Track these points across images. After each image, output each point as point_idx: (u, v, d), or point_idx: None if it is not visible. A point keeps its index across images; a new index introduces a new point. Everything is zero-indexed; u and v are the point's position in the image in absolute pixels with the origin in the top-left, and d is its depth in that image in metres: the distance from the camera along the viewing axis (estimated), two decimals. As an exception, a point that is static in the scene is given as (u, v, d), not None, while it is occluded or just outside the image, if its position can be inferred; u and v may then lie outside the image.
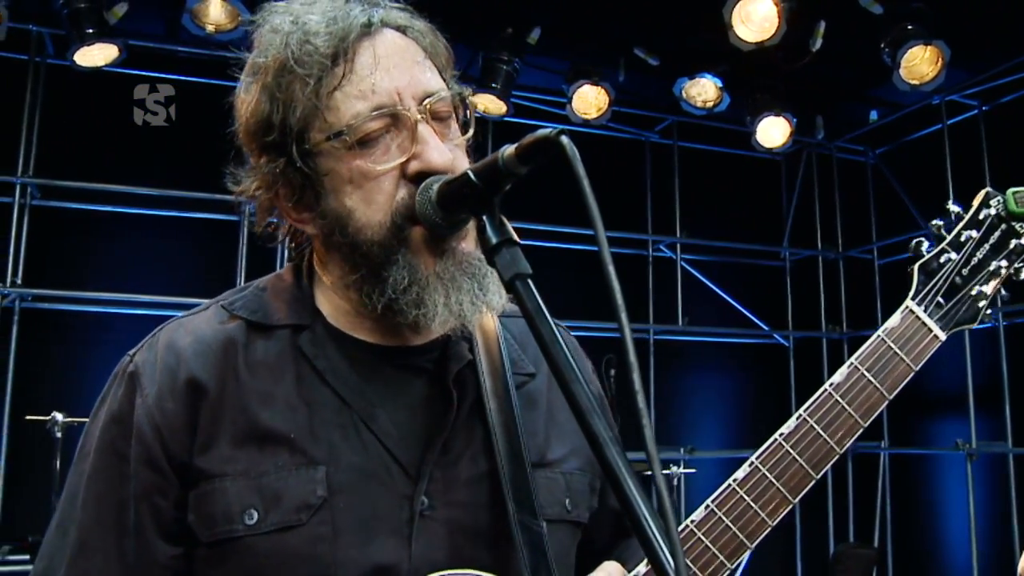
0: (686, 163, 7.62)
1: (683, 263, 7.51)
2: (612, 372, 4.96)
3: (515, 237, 1.14)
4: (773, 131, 6.63)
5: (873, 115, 7.47)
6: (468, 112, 1.37)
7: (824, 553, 7.42)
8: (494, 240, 1.14)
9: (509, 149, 1.12)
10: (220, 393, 1.28)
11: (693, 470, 5.90)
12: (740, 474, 1.40)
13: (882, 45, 5.58)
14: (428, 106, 1.27)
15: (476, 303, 1.28)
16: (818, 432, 1.42)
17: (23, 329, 5.68)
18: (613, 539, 1.56)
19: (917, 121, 7.23)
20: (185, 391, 1.27)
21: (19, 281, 5.66)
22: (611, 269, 0.96)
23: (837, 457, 1.43)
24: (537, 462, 1.37)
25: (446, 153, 1.27)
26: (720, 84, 6.32)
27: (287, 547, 1.21)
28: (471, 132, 1.37)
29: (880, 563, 7.13)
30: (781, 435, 1.42)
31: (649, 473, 0.88)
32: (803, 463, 1.40)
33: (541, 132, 1.08)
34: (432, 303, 1.26)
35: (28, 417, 4.70)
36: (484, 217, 1.16)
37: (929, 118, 7.05)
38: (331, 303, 1.37)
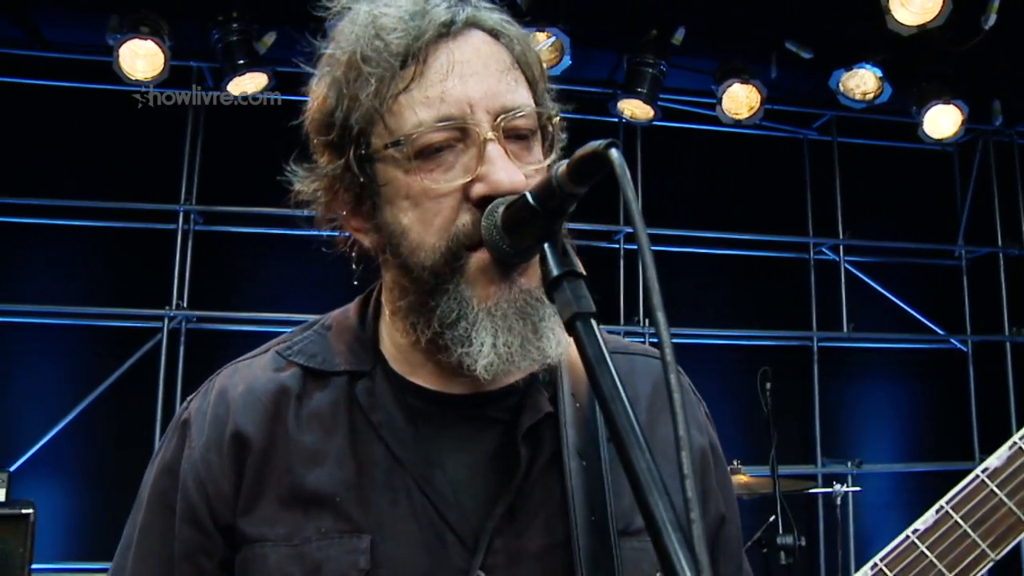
0: (847, 160, 7.21)
1: (847, 265, 7.09)
2: (768, 385, 4.68)
3: (580, 269, 1.00)
4: (942, 120, 6.16)
5: (1061, 94, 6.82)
6: (554, 132, 1.23)
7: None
8: (555, 272, 1.00)
9: (562, 167, 0.99)
10: (267, 450, 1.20)
11: (859, 488, 5.52)
12: None
13: (1070, 14, 5.08)
14: (502, 123, 1.13)
15: (527, 348, 1.13)
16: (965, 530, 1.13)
17: (189, 350, 5.97)
18: None
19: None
20: (231, 445, 1.20)
21: (184, 304, 5.94)
22: (657, 300, 0.83)
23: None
24: (623, 529, 1.18)
25: (516, 174, 1.12)
26: (880, 74, 5.92)
27: None
28: (554, 156, 1.23)
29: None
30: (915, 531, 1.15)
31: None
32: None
33: (590, 146, 0.94)
34: (479, 342, 1.12)
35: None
36: (545, 245, 1.02)
37: None
38: (393, 342, 1.26)
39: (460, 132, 1.13)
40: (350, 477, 1.17)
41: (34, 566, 4.24)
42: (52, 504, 5.33)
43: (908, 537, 1.14)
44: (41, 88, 6.06)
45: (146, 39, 5.21)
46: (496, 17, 1.21)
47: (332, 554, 1.13)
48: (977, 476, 1.15)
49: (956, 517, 1.13)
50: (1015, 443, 1.15)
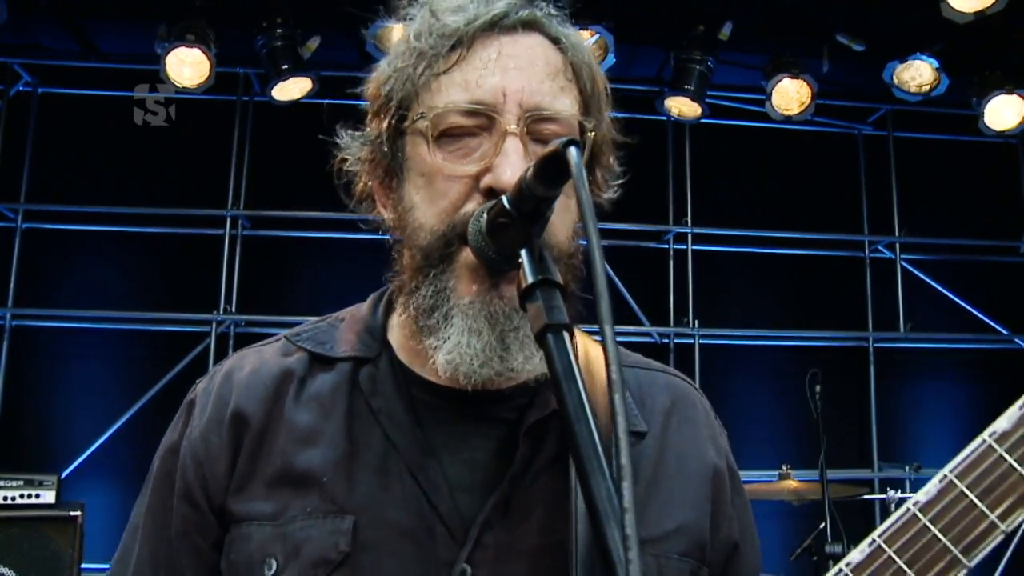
0: (903, 155, 7.02)
1: (904, 264, 6.90)
2: (817, 388, 4.56)
3: (556, 278, 0.96)
4: (1004, 111, 5.96)
5: None
6: (594, 148, 1.20)
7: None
8: (528, 280, 0.96)
9: (530, 170, 0.96)
10: (262, 429, 1.20)
11: (914, 495, 5.34)
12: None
13: None
14: (529, 120, 1.12)
15: (489, 355, 1.10)
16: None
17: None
18: None
19: None
20: (230, 425, 1.21)
21: (232, 308, 6.00)
22: (605, 306, 0.79)
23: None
24: None
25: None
26: (936, 65, 5.76)
27: None
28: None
29: None
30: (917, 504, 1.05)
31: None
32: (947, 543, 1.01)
33: (551, 145, 0.91)
34: (445, 335, 1.11)
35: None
36: (523, 252, 0.99)
37: None
38: (401, 332, 1.24)
39: (486, 120, 1.13)
40: (340, 458, 1.16)
41: (84, 566, 4.31)
42: (104, 506, 5.40)
43: (909, 510, 1.03)
44: (94, 98, 6.20)
45: (192, 47, 5.29)
46: (558, 27, 1.21)
47: (314, 534, 1.11)
48: (984, 441, 1.05)
49: (961, 486, 1.03)
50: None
